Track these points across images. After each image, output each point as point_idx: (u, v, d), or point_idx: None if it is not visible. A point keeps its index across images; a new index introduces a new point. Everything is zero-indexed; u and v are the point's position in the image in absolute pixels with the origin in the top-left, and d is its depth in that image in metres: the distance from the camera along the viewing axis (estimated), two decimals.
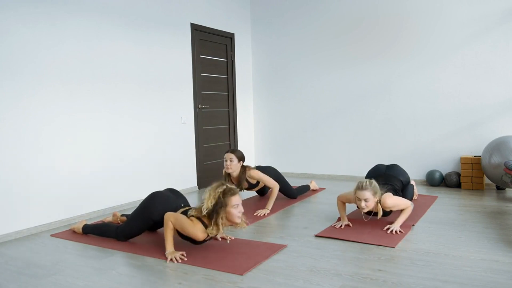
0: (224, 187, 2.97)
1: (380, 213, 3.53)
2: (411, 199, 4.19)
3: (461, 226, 3.59)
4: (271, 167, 4.86)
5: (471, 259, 2.83)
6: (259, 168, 4.78)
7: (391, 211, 3.65)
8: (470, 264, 2.74)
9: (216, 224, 2.92)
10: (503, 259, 2.81)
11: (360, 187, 3.41)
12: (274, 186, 4.39)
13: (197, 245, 3.16)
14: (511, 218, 3.80)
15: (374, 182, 3.47)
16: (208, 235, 3.00)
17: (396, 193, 3.80)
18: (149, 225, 3.36)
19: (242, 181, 4.34)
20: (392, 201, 3.52)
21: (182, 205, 3.39)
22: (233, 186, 3.02)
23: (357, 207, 3.60)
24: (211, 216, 2.93)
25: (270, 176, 4.63)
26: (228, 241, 3.33)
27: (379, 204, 3.51)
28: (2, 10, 3.59)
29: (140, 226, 3.37)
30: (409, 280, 2.52)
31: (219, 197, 2.92)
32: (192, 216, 3.02)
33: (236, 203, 2.94)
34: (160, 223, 3.30)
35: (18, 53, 3.72)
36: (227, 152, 4.32)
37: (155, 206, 3.31)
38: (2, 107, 3.61)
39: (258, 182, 4.55)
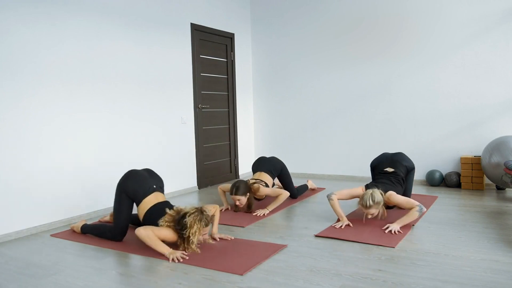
0: (204, 218, 3.08)
1: (385, 215, 3.73)
2: (410, 190, 4.22)
3: (461, 226, 3.59)
4: (275, 158, 4.87)
5: (471, 259, 2.83)
6: (262, 160, 4.80)
7: (393, 206, 3.73)
8: (470, 264, 2.74)
9: (189, 248, 3.08)
10: (503, 259, 2.81)
11: (365, 206, 3.56)
12: (283, 193, 4.35)
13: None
14: (511, 218, 3.80)
15: (376, 196, 3.56)
16: (177, 239, 3.13)
17: (399, 182, 3.93)
18: (129, 205, 3.43)
19: (252, 204, 4.32)
20: (395, 199, 3.65)
21: (154, 186, 3.46)
22: (210, 217, 3.16)
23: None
24: (184, 239, 3.08)
25: (274, 171, 4.69)
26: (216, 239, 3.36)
27: (383, 207, 3.69)
28: (2, 10, 3.59)
29: (122, 209, 3.42)
30: (409, 280, 2.52)
31: (199, 227, 3.06)
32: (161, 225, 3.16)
33: (205, 232, 3.16)
34: (136, 201, 3.39)
35: (18, 53, 3.72)
36: (231, 194, 4.23)
37: (128, 183, 3.42)
38: (2, 107, 3.61)
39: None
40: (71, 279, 2.71)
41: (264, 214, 4.18)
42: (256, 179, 4.51)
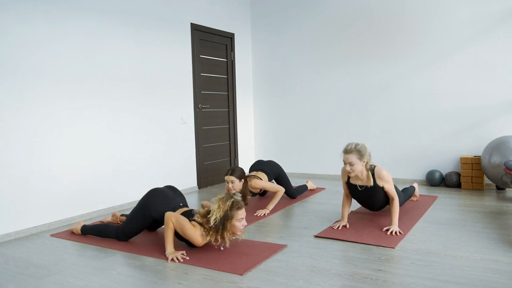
0: (233, 199, 2.99)
1: (371, 182, 3.49)
2: (406, 199, 4.19)
3: (461, 226, 3.59)
4: (273, 161, 4.88)
5: (471, 259, 2.83)
6: (260, 162, 4.81)
7: (383, 187, 3.56)
8: (470, 264, 2.74)
9: (223, 237, 2.99)
10: (503, 259, 2.81)
11: (345, 150, 3.40)
12: (279, 190, 4.35)
13: (192, 247, 3.17)
14: (511, 218, 3.80)
15: (361, 144, 3.40)
16: (207, 241, 3.05)
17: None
18: (149, 223, 3.37)
19: (246, 195, 4.24)
20: (386, 174, 3.50)
21: (181, 204, 3.41)
22: (240, 199, 3.05)
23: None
24: (217, 228, 2.96)
25: (272, 173, 4.66)
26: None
27: (369, 173, 3.48)
28: (1, 9, 3.59)
29: (140, 224, 3.37)
30: (409, 280, 2.52)
31: (227, 210, 2.95)
32: (194, 221, 3.05)
33: (241, 217, 3.00)
34: (159, 222, 3.32)
35: (17, 53, 3.71)
36: (226, 174, 4.14)
37: (154, 203, 3.32)
38: (2, 106, 3.61)
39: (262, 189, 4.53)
40: (71, 279, 2.71)
41: (264, 214, 4.17)
42: (252, 175, 4.51)
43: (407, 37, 5.65)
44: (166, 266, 2.88)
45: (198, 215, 3.06)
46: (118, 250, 3.24)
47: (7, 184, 3.64)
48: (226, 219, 2.94)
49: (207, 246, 3.22)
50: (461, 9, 5.29)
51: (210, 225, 2.96)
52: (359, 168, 3.44)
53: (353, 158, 3.38)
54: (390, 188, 3.55)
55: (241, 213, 3.00)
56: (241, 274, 2.68)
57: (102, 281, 2.67)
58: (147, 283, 2.61)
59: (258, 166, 4.74)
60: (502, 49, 5.09)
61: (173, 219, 3.04)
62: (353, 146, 3.38)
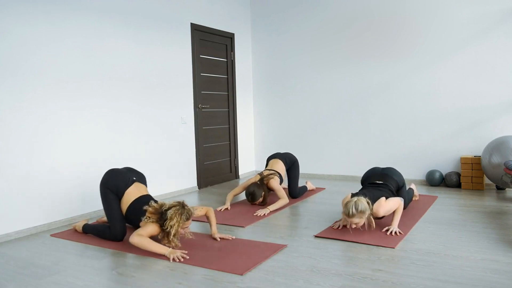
0: (185, 212, 3.15)
1: (373, 225, 3.47)
2: (409, 200, 4.18)
3: (461, 226, 3.59)
4: (291, 153, 5.09)
5: (471, 259, 2.83)
6: (277, 155, 5.03)
7: (383, 216, 3.59)
8: (470, 264, 2.74)
9: (170, 241, 3.14)
10: (503, 259, 2.81)
11: (347, 214, 3.32)
12: (284, 198, 4.49)
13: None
14: (511, 218, 3.80)
15: (360, 204, 3.30)
16: (159, 233, 3.21)
17: (390, 195, 3.72)
18: (117, 202, 3.47)
19: (266, 198, 4.58)
20: (385, 209, 3.48)
21: (134, 178, 3.57)
22: (191, 210, 3.22)
23: None
24: (169, 233, 3.13)
25: (289, 160, 4.93)
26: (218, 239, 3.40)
27: (371, 217, 3.44)
28: (1, 9, 3.59)
29: (112, 207, 3.45)
30: (409, 280, 2.52)
31: (180, 221, 3.13)
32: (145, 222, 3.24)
33: (187, 226, 3.20)
34: (119, 194, 3.47)
35: (17, 53, 3.71)
36: (248, 201, 4.54)
37: (108, 179, 3.48)
38: (2, 106, 3.61)
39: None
40: (71, 279, 2.71)
41: (264, 214, 4.18)
42: (270, 170, 4.75)
43: (407, 37, 5.65)
44: (166, 266, 2.88)
45: (149, 215, 3.19)
46: (118, 250, 3.25)
47: (7, 184, 3.64)
48: (176, 226, 3.13)
49: (207, 246, 3.23)
50: (461, 9, 5.30)
51: (166, 230, 3.11)
52: (363, 222, 3.40)
53: (356, 219, 3.33)
54: (391, 211, 3.54)
55: (188, 223, 3.19)
56: (241, 274, 2.68)
57: (102, 281, 2.67)
58: (147, 283, 2.61)
59: (276, 154, 5.04)
60: (502, 49, 5.10)
61: (137, 232, 3.12)
62: (354, 210, 3.28)
